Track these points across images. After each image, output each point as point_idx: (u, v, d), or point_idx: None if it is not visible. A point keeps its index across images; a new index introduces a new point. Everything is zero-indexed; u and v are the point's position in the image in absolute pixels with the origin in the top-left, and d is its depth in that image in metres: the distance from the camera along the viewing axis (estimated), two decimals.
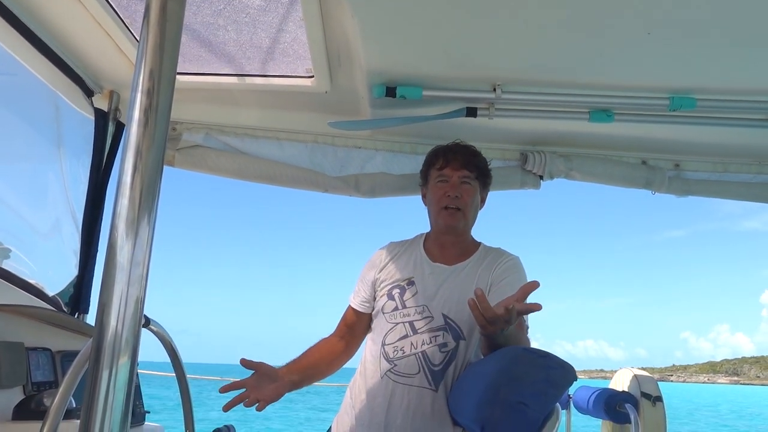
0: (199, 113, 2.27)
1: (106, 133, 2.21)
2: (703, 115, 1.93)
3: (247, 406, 1.66)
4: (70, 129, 2.25)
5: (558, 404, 1.08)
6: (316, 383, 2.01)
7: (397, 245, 1.99)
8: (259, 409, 1.68)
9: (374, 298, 1.92)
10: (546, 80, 1.84)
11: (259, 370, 1.73)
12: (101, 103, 2.20)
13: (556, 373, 1.12)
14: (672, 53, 1.64)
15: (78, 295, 2.14)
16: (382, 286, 1.90)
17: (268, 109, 2.27)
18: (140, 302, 0.78)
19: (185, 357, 1.56)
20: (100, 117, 2.20)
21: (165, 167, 2.31)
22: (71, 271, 2.17)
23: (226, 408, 1.65)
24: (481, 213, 1.98)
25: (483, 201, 1.98)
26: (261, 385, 1.71)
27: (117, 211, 0.76)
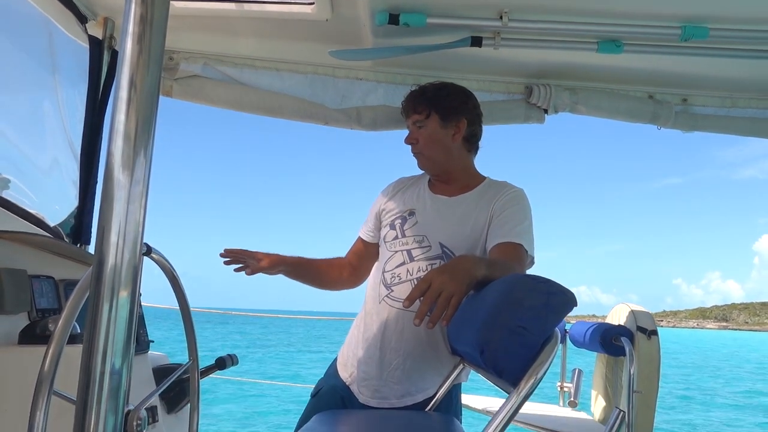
0: (196, 42, 2.22)
1: (102, 62, 2.15)
2: (715, 46, 1.87)
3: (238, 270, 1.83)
4: (64, 57, 2.20)
5: (557, 329, 1.10)
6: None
7: (406, 180, 2.04)
8: (248, 273, 1.82)
9: (379, 229, 1.99)
10: (554, 7, 1.78)
11: (245, 255, 1.83)
12: (95, 30, 2.14)
13: (556, 298, 1.13)
14: None
15: (79, 225, 2.14)
16: (386, 217, 1.96)
17: (267, 38, 2.20)
18: (140, 223, 0.77)
19: None
20: (95, 45, 2.14)
21: (163, 98, 2.26)
22: (72, 202, 2.16)
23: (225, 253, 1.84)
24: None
25: (458, 130, 1.89)
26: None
27: (112, 143, 0.75)
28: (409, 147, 1.94)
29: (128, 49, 0.74)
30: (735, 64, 2.02)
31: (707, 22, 1.76)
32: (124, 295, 0.76)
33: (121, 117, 0.75)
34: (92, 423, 0.75)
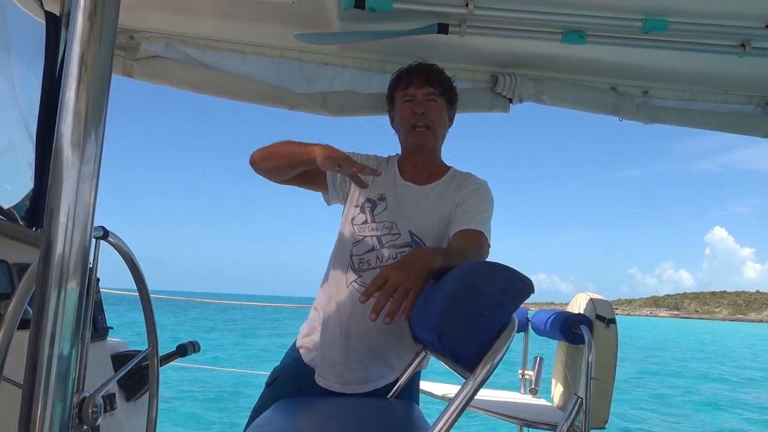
0: (158, 22, 2.16)
1: (59, 39, 2.08)
2: (675, 40, 1.91)
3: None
4: (19, 34, 2.12)
5: (515, 316, 1.11)
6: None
7: (379, 160, 2.01)
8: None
9: (341, 192, 1.96)
10: None
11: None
12: (52, 6, 2.06)
13: (514, 285, 1.15)
14: None
15: (34, 208, 2.07)
16: (355, 195, 1.93)
17: (231, 19, 2.16)
18: (91, 204, 0.75)
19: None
20: (52, 21, 2.06)
21: (124, 78, 2.17)
22: (27, 185, 2.10)
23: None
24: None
25: (451, 120, 1.98)
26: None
27: (62, 122, 0.72)
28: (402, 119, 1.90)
29: (79, 23, 0.72)
30: (694, 57, 2.07)
31: (667, 15, 1.79)
32: (73, 277, 0.73)
33: (71, 94, 0.73)
34: (39, 409, 0.72)
